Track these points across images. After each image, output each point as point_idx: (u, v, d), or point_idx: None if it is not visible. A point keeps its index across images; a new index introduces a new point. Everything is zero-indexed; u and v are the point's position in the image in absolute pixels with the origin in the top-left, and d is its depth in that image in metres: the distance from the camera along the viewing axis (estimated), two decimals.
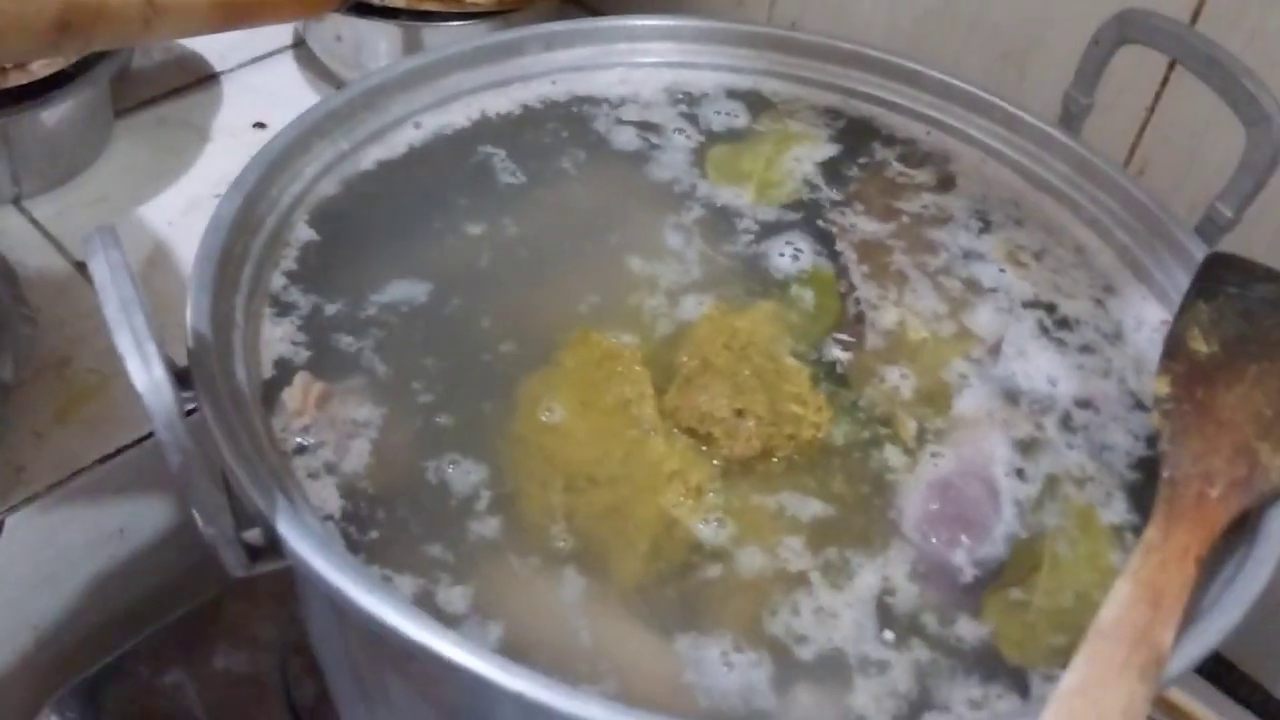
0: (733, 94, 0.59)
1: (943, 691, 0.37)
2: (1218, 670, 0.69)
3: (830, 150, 0.56)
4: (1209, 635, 0.35)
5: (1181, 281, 0.48)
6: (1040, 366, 0.48)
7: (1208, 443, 0.39)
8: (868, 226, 0.53)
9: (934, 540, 0.41)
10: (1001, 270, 0.51)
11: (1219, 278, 0.45)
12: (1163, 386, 0.42)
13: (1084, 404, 0.46)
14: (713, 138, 0.57)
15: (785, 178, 0.55)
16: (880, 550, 0.41)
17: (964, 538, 0.41)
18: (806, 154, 0.56)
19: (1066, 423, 0.46)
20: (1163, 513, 0.37)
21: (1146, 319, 0.49)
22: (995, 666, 0.38)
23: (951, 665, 0.38)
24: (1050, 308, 0.50)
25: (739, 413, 0.43)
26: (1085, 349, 0.48)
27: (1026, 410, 0.46)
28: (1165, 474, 0.38)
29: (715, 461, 0.43)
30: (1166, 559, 0.35)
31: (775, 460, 0.43)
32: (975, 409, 0.46)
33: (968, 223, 0.53)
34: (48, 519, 0.58)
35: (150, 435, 0.60)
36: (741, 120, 0.57)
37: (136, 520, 0.63)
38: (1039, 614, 0.40)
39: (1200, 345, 0.42)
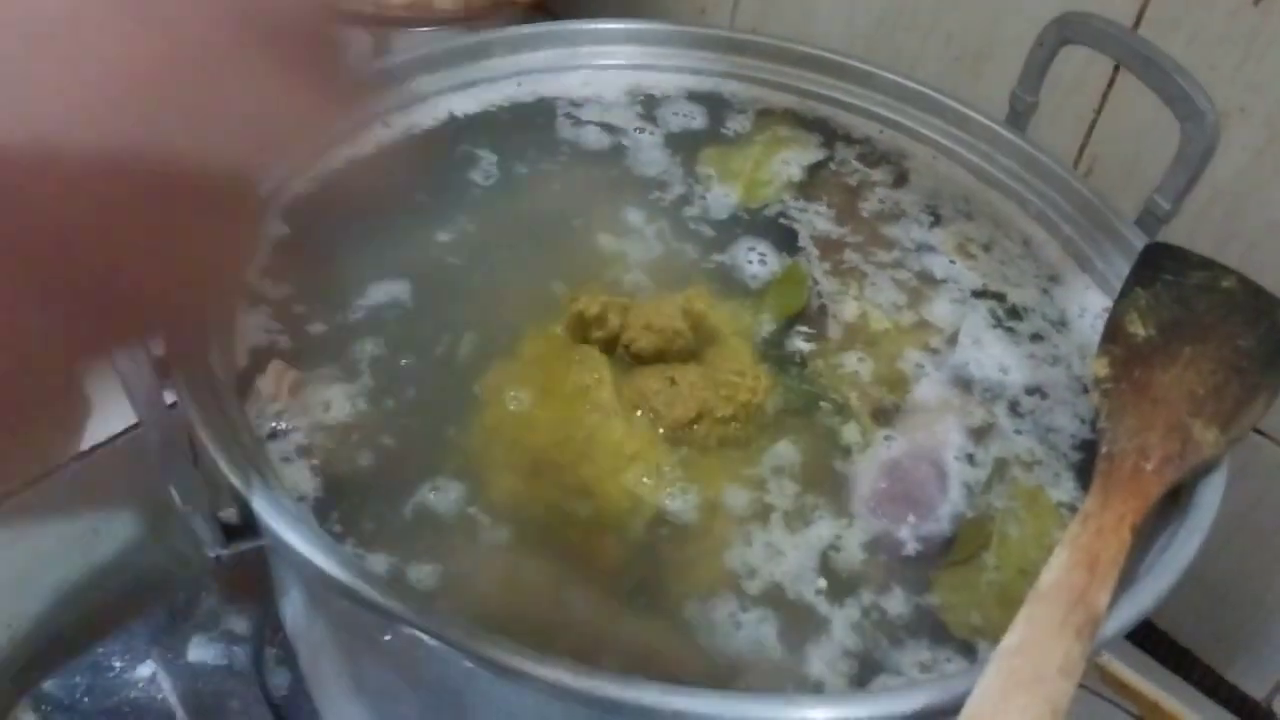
0: (693, 96, 0.60)
1: (893, 656, 0.39)
2: (1172, 656, 0.71)
3: (817, 155, 0.58)
4: (1144, 599, 0.37)
5: (1122, 270, 0.50)
6: (994, 355, 0.50)
7: (1143, 419, 0.41)
8: (830, 224, 0.55)
9: (881, 515, 0.43)
10: (952, 262, 0.53)
11: (1156, 266, 0.48)
12: (1101, 368, 0.43)
13: (1033, 390, 0.48)
14: (673, 138, 0.58)
15: (772, 178, 0.57)
16: (834, 518, 0.43)
17: (910, 515, 0.43)
18: (795, 157, 0.58)
19: (1015, 408, 0.47)
20: (1100, 484, 0.38)
21: (1090, 307, 0.51)
22: (943, 634, 0.40)
23: (898, 631, 0.40)
24: (1000, 297, 0.52)
25: (671, 381, 0.45)
26: (1035, 337, 0.50)
27: (979, 398, 0.48)
28: (1103, 449, 0.40)
29: (660, 430, 0.45)
30: (1103, 527, 0.36)
31: (715, 422, 0.45)
32: (931, 396, 0.48)
33: (919, 217, 0.55)
34: (21, 518, 0.59)
35: (123, 433, 0.61)
36: (699, 121, 0.59)
37: (110, 518, 0.63)
38: (986, 590, 0.41)
39: (1138, 329, 0.44)
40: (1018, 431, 0.46)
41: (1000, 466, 0.45)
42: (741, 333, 0.49)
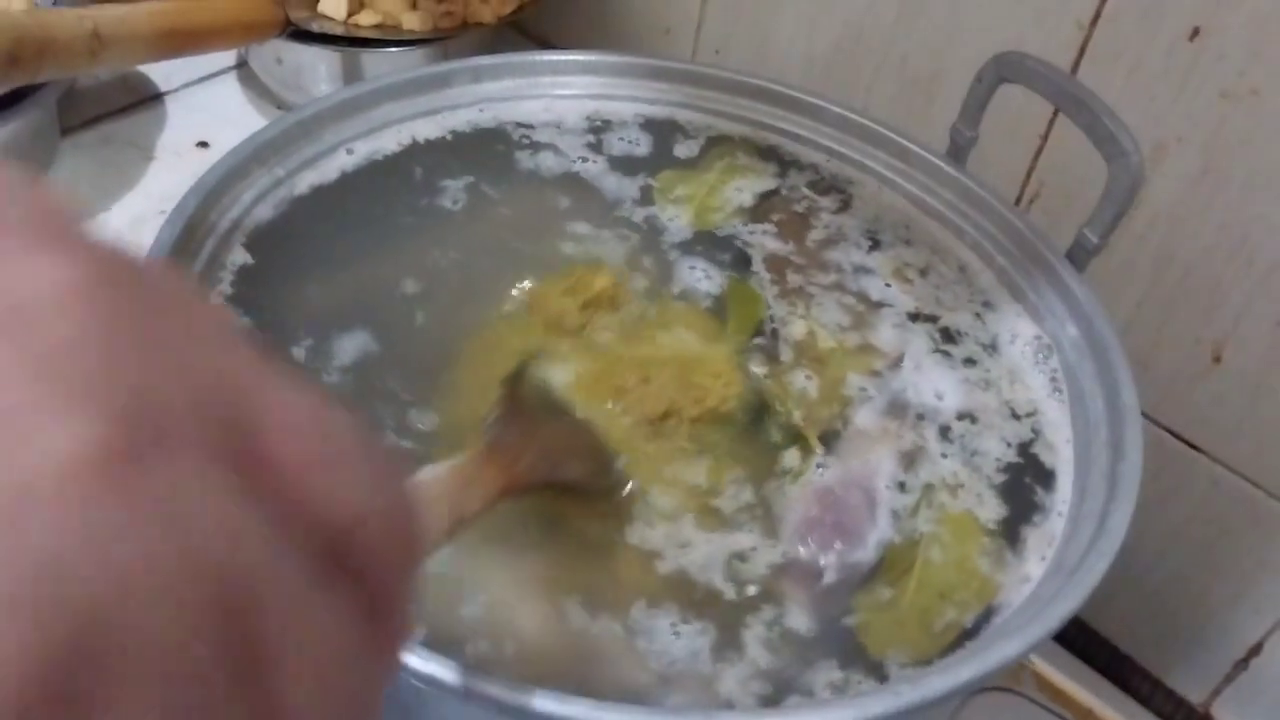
0: (649, 124, 0.62)
1: (805, 676, 0.41)
2: (1114, 663, 0.73)
3: (771, 184, 0.61)
4: (1072, 599, 0.39)
5: (1052, 300, 0.53)
6: (931, 380, 0.52)
7: (519, 442, 0.41)
8: (778, 246, 0.57)
9: (810, 543, 0.45)
10: (887, 285, 0.56)
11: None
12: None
13: (964, 415, 0.51)
14: (622, 164, 0.60)
15: (724, 204, 0.59)
16: (761, 536, 0.45)
17: (838, 543, 0.45)
18: (748, 185, 0.60)
19: (945, 433, 0.50)
20: (482, 454, 0.39)
21: (1021, 333, 0.54)
22: (857, 655, 0.42)
23: (810, 652, 0.42)
24: (933, 319, 0.54)
25: (645, 379, 0.49)
26: (969, 361, 0.53)
27: (913, 422, 0.50)
28: (489, 441, 0.40)
29: (628, 421, 0.47)
30: (476, 476, 0.38)
31: (683, 421, 0.48)
32: (871, 421, 0.50)
33: (859, 241, 0.58)
34: None
35: None
36: (653, 147, 0.62)
37: None
38: (907, 612, 0.43)
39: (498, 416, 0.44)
40: (944, 455, 0.49)
41: (928, 491, 0.47)
42: (720, 341, 0.52)
